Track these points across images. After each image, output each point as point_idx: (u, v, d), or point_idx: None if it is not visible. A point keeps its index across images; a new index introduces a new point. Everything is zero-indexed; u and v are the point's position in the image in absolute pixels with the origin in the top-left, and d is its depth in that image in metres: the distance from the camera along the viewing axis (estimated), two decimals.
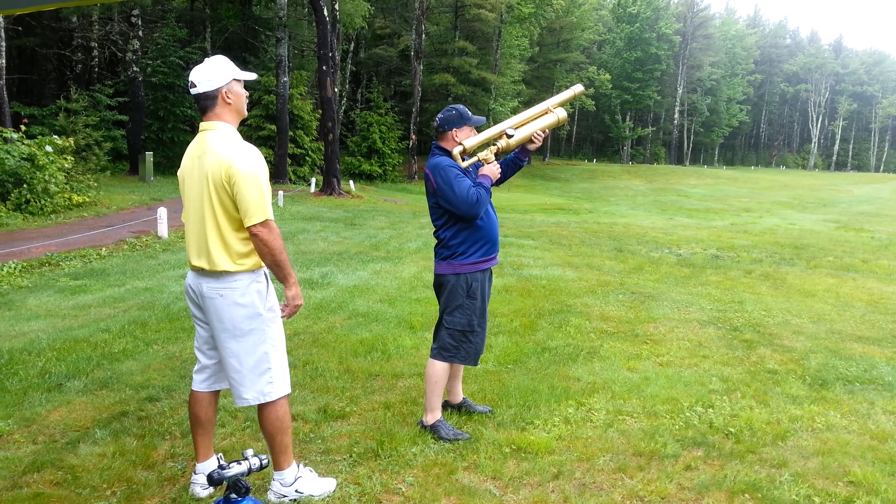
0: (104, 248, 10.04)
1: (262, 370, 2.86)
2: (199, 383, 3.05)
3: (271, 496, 2.99)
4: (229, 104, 2.82)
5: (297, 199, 21.09)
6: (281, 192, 19.75)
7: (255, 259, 2.82)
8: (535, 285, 8.29)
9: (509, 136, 3.67)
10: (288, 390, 2.96)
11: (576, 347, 5.54)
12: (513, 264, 9.71)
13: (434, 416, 3.77)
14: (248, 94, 2.93)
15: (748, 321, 6.77)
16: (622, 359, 5.29)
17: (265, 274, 2.90)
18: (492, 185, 3.66)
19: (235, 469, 2.26)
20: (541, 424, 3.91)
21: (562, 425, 3.91)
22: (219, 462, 2.82)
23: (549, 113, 3.77)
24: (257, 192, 2.70)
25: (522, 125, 3.74)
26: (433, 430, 3.73)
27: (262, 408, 2.91)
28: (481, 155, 3.69)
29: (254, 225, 2.70)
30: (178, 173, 2.95)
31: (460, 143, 3.62)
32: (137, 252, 10.12)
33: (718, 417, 4.10)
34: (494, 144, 3.70)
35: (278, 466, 2.98)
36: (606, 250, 12.11)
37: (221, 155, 2.70)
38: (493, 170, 3.68)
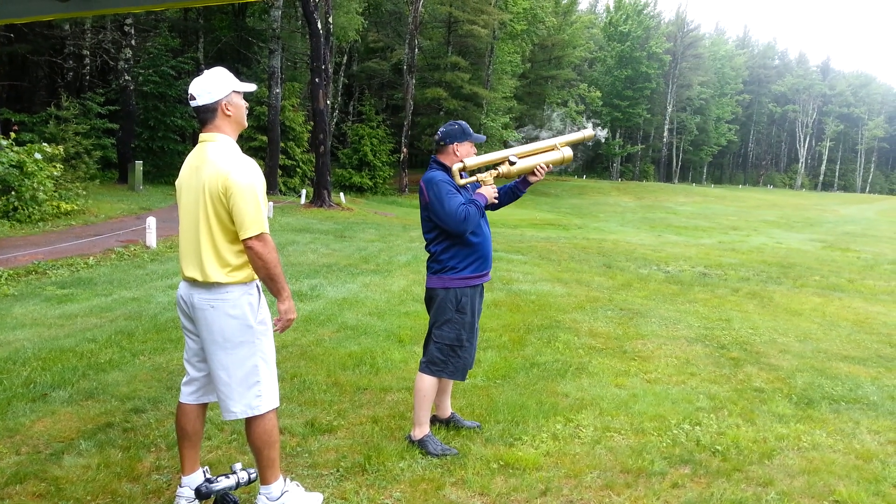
0: (92, 257, 9.97)
1: (251, 383, 2.84)
2: (187, 395, 3.03)
3: None
4: (229, 116, 2.83)
5: (287, 210, 21.06)
6: (271, 204, 19.69)
7: (247, 271, 2.82)
8: (524, 300, 8.31)
9: (512, 163, 3.66)
10: (276, 404, 2.94)
11: (564, 363, 5.55)
12: (502, 279, 9.74)
13: (422, 430, 3.76)
14: (247, 105, 2.94)
15: (735, 339, 6.81)
16: (610, 375, 5.31)
17: (257, 286, 2.90)
18: (485, 206, 3.67)
19: (223, 483, 2.25)
20: (529, 440, 3.91)
21: (550, 441, 3.92)
22: (205, 475, 2.80)
23: (555, 150, 3.77)
24: (253, 205, 2.70)
25: (527, 156, 3.73)
26: (421, 444, 3.72)
27: (249, 421, 2.89)
28: (480, 176, 3.68)
29: (249, 238, 2.71)
30: (176, 183, 2.95)
31: (461, 160, 3.61)
32: (125, 261, 10.06)
33: (705, 435, 4.12)
34: (496, 168, 3.68)
35: (265, 480, 2.95)
36: (595, 266, 12.16)
37: (219, 167, 2.71)
38: (489, 191, 3.67)
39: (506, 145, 47.18)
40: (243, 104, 2.89)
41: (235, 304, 2.79)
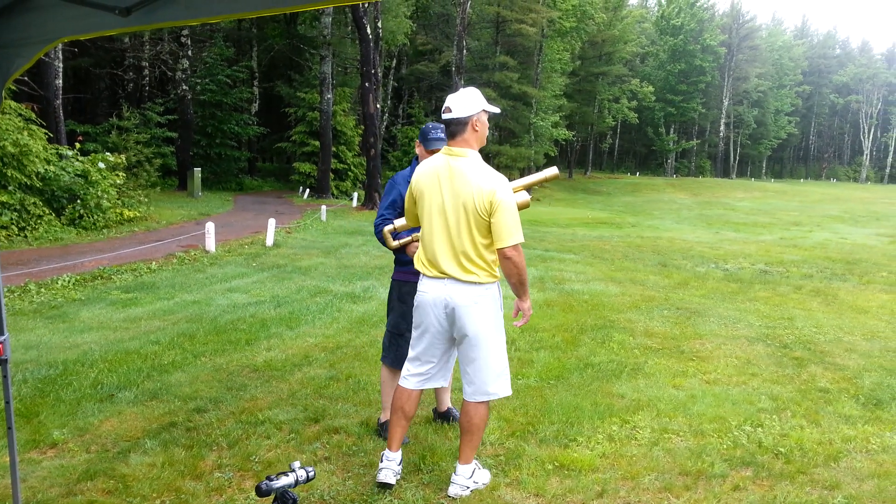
0: (154, 262, 10.30)
1: (504, 368, 3.21)
2: (413, 383, 3.30)
3: (456, 489, 3.19)
4: (476, 132, 3.08)
5: (339, 213, 21.35)
6: (324, 207, 20.01)
7: (499, 270, 3.15)
8: (576, 300, 8.23)
9: None
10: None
11: (619, 364, 5.48)
12: (554, 279, 9.65)
13: (384, 415, 3.92)
14: (488, 125, 3.17)
15: (798, 338, 6.60)
16: (667, 376, 5.21)
17: (498, 283, 3.22)
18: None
19: (283, 480, 2.30)
20: (584, 441, 3.87)
21: (605, 443, 3.87)
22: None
23: None
24: (514, 219, 3.02)
25: None
26: (381, 428, 3.89)
27: (481, 404, 3.20)
28: (417, 234, 3.57)
29: (507, 247, 3.01)
30: (417, 189, 3.16)
31: (392, 223, 3.61)
32: (186, 266, 10.36)
33: (768, 437, 4.01)
34: None
35: (466, 460, 3.23)
36: (650, 265, 11.95)
37: (482, 185, 2.99)
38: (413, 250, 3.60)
39: (556, 144, 46.74)
40: (487, 123, 3.12)
41: (494, 300, 3.14)
